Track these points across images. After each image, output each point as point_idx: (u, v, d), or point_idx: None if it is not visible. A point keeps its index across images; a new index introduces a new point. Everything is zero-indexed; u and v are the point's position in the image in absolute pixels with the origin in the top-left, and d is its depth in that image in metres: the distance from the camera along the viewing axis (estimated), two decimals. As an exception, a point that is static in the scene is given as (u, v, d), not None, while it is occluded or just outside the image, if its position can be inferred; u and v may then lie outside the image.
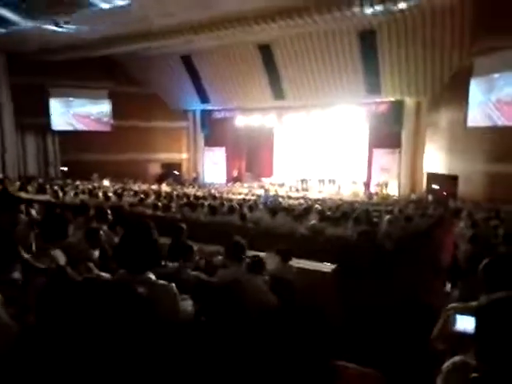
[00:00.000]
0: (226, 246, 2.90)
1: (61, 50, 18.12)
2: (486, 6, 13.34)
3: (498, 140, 14.19)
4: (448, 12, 14.48)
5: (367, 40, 16.65)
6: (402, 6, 12.81)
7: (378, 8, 13.10)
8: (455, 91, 16.02)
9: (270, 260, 3.79)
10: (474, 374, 1.13)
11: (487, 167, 14.72)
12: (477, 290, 2.13)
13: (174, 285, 1.91)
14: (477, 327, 1.20)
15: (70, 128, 22.13)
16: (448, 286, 4.08)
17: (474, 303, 1.94)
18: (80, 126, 22.49)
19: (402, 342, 3.48)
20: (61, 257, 2.40)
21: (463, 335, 1.61)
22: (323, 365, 3.07)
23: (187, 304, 2.06)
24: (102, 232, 3.66)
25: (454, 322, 1.66)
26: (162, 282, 1.90)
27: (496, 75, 13.84)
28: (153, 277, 1.90)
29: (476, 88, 14.60)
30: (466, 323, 1.59)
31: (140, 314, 1.67)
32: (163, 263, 2.87)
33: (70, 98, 22.06)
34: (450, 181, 17.11)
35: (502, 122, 13.90)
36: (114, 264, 2.20)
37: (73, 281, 1.90)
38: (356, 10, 13.26)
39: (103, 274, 2.40)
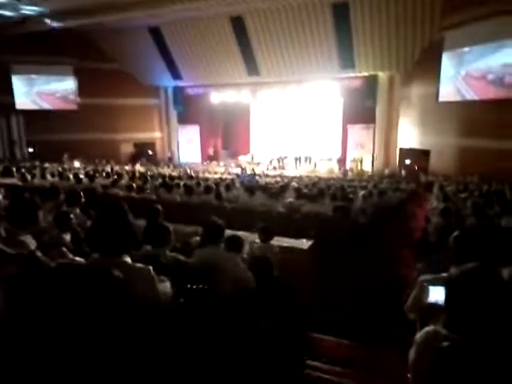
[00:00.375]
0: (203, 227, 2.87)
1: (20, 23, 17.06)
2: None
3: (467, 114, 14.57)
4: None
5: (340, 13, 16.48)
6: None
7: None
8: (427, 65, 16.22)
9: (251, 239, 3.81)
10: (445, 343, 1.18)
11: (458, 141, 15.15)
12: (447, 261, 2.21)
13: (151, 267, 1.89)
14: (447, 298, 1.24)
15: (34, 107, 21.16)
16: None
17: (444, 274, 2.02)
18: (45, 105, 21.54)
19: (377, 313, 3.61)
20: (31, 242, 2.31)
21: (435, 306, 1.67)
22: (299, 337, 3.16)
23: (165, 286, 2.04)
24: (72, 216, 3.56)
25: (426, 293, 1.72)
26: (138, 264, 1.87)
27: (466, 49, 14.04)
28: (129, 260, 1.86)
29: (447, 62, 14.81)
30: (437, 294, 1.65)
31: (117, 297, 1.65)
32: (139, 245, 2.82)
33: (33, 76, 20.97)
34: (422, 155, 17.54)
35: (471, 96, 14.20)
36: (88, 248, 2.15)
37: (46, 267, 1.85)
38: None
39: (77, 258, 2.35)
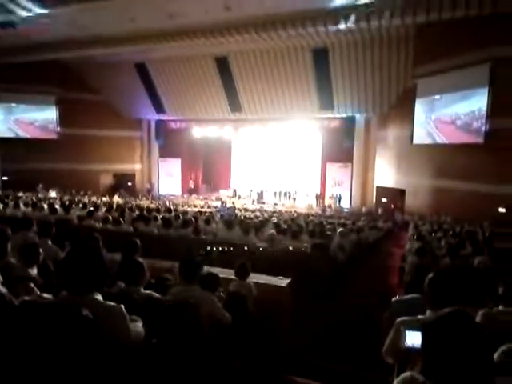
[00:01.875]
0: (179, 263, 2.81)
1: (6, 53, 17.11)
2: (426, 35, 14.41)
3: (438, 157, 15.21)
4: (394, 39, 15.57)
5: (320, 57, 17.32)
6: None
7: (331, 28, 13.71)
8: (401, 110, 17.03)
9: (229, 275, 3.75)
10: (422, 390, 1.17)
11: (431, 182, 15.69)
12: (423, 302, 2.23)
13: (122, 306, 1.81)
14: (423, 343, 1.24)
15: (10, 135, 20.75)
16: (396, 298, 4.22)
17: (421, 316, 2.03)
18: (22, 133, 21.16)
19: (356, 356, 3.54)
20: (-3, 277, 2.20)
21: (412, 350, 1.66)
22: (276, 379, 3.06)
23: (137, 325, 1.96)
24: (40, 248, 3.42)
25: (404, 337, 1.71)
26: (109, 303, 1.79)
27: (436, 96, 14.89)
28: (100, 298, 1.79)
29: (420, 108, 15.61)
30: (414, 339, 1.65)
31: (85, 337, 1.56)
32: (113, 282, 2.73)
33: (13, 104, 20.76)
34: (397, 194, 18.02)
35: (441, 139, 14.91)
36: (58, 284, 2.05)
37: (9, 305, 1.75)
38: (309, 29, 13.77)
39: (45, 294, 2.24)
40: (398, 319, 2.06)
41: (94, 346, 1.53)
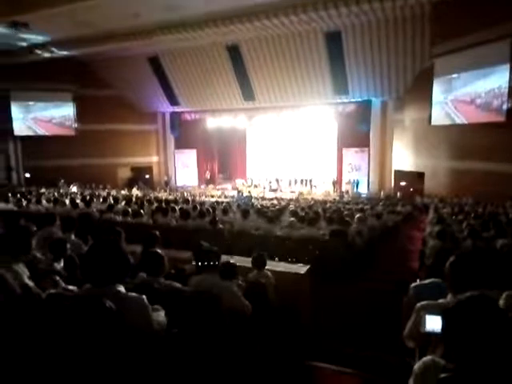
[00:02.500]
0: (195, 253, 2.85)
1: (23, 53, 17.43)
2: (443, 13, 13.91)
3: (457, 137, 14.83)
4: (409, 19, 15.07)
5: (333, 41, 16.94)
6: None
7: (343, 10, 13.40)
8: (419, 91, 16.60)
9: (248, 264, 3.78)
10: (443, 374, 1.16)
11: (450, 163, 15.35)
12: (444, 286, 2.20)
13: (144, 297, 1.86)
14: (444, 328, 1.23)
15: (29, 133, 21.24)
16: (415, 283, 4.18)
17: (442, 300, 2.01)
18: (41, 131, 21.62)
19: (376, 340, 3.54)
20: (24, 271, 2.28)
21: (432, 334, 1.65)
22: (298, 365, 3.10)
23: (159, 315, 2.01)
24: (68, 243, 3.52)
25: (423, 322, 1.70)
26: (132, 294, 1.84)
27: (454, 75, 14.44)
28: (122, 289, 1.84)
29: (437, 88, 15.18)
30: (434, 323, 1.63)
31: (110, 328, 1.61)
32: (135, 273, 2.80)
33: (31, 102, 21.17)
34: (416, 177, 17.70)
35: (460, 120, 14.50)
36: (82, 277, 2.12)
37: (36, 298, 1.82)
38: (321, 12, 13.49)
39: (70, 287, 2.31)
40: (419, 304, 2.05)
41: (117, 336, 1.58)
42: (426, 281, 2.82)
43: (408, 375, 2.13)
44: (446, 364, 1.20)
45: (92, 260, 1.81)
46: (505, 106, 12.45)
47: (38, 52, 17.30)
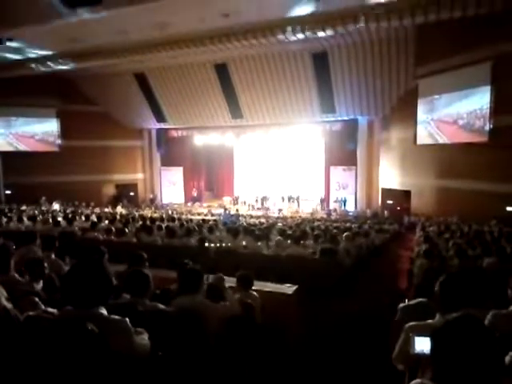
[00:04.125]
0: (178, 273, 2.77)
1: (6, 67, 17.25)
2: (427, 35, 14.41)
3: (442, 157, 15.15)
4: (394, 40, 15.55)
5: (320, 62, 17.33)
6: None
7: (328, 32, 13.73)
8: (404, 111, 16.99)
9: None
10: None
11: (436, 182, 15.61)
12: (432, 306, 2.18)
13: (127, 319, 1.78)
14: (433, 350, 1.21)
15: (10, 148, 20.77)
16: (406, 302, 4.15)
17: (430, 321, 1.98)
18: (21, 147, 21.15)
19: (365, 362, 3.48)
20: (2, 293, 2.18)
21: (422, 356, 1.63)
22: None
23: (143, 338, 1.93)
24: (46, 263, 3.40)
25: (412, 343, 1.67)
26: (114, 317, 1.76)
27: (437, 96, 14.86)
28: (104, 312, 1.76)
29: (421, 108, 15.58)
30: (423, 345, 1.61)
31: (91, 351, 1.53)
32: (118, 294, 2.70)
33: (13, 118, 20.83)
34: (403, 196, 17.92)
35: (443, 140, 14.86)
36: (62, 299, 2.03)
37: (14, 321, 1.72)
38: (308, 33, 13.78)
39: (49, 309, 2.22)
40: (407, 325, 2.02)
41: (100, 361, 1.50)
42: (414, 301, 2.80)
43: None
44: (434, 387, 1.17)
45: (74, 281, 1.73)
46: (487, 127, 12.80)
47: (32, 66, 17.09)
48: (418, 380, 1.28)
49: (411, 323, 2.01)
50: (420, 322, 1.99)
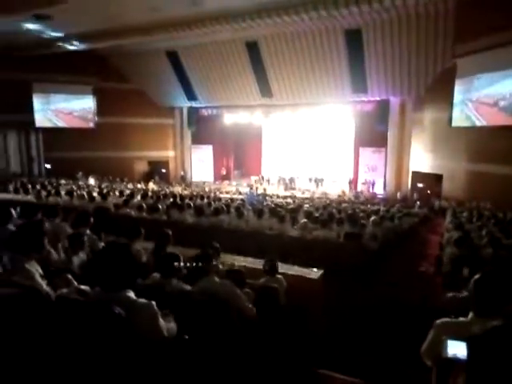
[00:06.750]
0: (195, 257, 2.79)
1: (45, 45, 17.68)
2: (467, 11, 13.50)
3: (478, 140, 14.45)
4: (432, 17, 14.67)
5: (353, 39, 16.67)
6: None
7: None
8: (439, 92, 16.21)
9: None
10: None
11: (469, 166, 14.99)
12: (466, 302, 2.10)
13: (154, 303, 1.83)
14: (469, 358, 1.17)
15: (49, 125, 21.56)
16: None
17: (462, 319, 1.92)
18: (60, 123, 21.88)
19: (392, 349, 3.45)
20: (36, 270, 2.28)
21: (455, 360, 1.57)
22: (306, 373, 3.04)
23: (169, 321, 1.98)
24: (85, 237, 3.54)
25: (445, 347, 1.62)
26: (141, 300, 1.81)
27: (477, 76, 14.02)
28: (132, 295, 1.81)
29: (459, 89, 14.79)
30: (457, 349, 1.55)
31: (118, 335, 1.59)
32: (147, 273, 2.78)
33: (52, 94, 21.44)
34: (434, 180, 17.35)
35: (480, 122, 14.10)
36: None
37: (46, 300, 1.80)
38: (342, 9, 13.27)
39: (82, 286, 2.30)
40: (438, 321, 1.96)
41: (126, 344, 1.55)
42: (454, 320, 2.63)
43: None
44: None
45: (102, 264, 1.78)
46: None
47: (61, 44, 17.52)
48: None
49: (443, 319, 1.96)
50: (453, 320, 1.93)
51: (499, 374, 1.07)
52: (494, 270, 1.90)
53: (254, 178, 24.69)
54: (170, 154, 25.81)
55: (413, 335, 2.62)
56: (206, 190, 19.31)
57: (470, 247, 5.12)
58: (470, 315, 1.88)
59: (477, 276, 1.89)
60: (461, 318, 1.90)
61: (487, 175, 13.85)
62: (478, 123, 14.20)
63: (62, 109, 21.83)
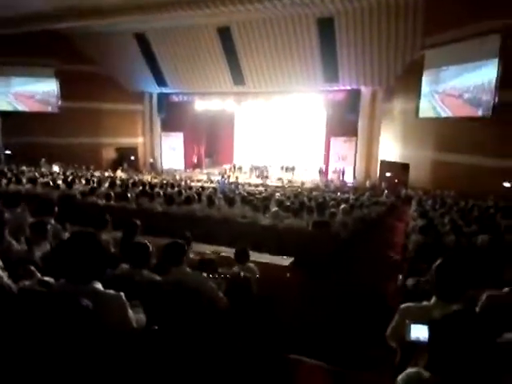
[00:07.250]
0: (164, 247, 2.76)
1: (4, 24, 16.67)
2: (437, 4, 13.84)
3: (444, 130, 14.96)
4: (402, 8, 14.93)
5: (325, 27, 16.73)
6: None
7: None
8: (408, 82, 16.61)
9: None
10: (429, 387, 1.16)
11: (435, 156, 15.51)
12: (428, 287, 2.20)
13: (122, 294, 1.79)
14: (430, 341, 1.24)
15: (9, 108, 20.49)
16: (400, 277, 4.22)
17: (426, 303, 2.00)
18: (21, 107, 20.86)
19: (357, 335, 3.57)
20: (-3, 261, 2.18)
21: (417, 343, 1.65)
22: (276, 359, 3.10)
23: (138, 311, 1.95)
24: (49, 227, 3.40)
25: (408, 330, 1.69)
26: (109, 292, 1.76)
27: (443, 68, 14.45)
28: (99, 286, 1.76)
29: (426, 80, 15.21)
30: (419, 332, 1.63)
31: (85, 327, 1.55)
32: (116, 263, 2.72)
33: (12, 77, 20.36)
34: (401, 169, 17.86)
35: (446, 113, 14.60)
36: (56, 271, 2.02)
37: (7, 293, 1.73)
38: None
39: (46, 278, 2.22)
40: (403, 305, 2.04)
41: (93, 336, 1.51)
42: (417, 304, 2.71)
43: (390, 370, 2.14)
44: (430, 377, 1.20)
45: (68, 255, 1.71)
46: (492, 102, 12.56)
47: (29, 23, 16.51)
48: (414, 369, 1.33)
49: (407, 304, 2.03)
50: (416, 304, 2.01)
51: (458, 356, 1.16)
52: (455, 256, 1.99)
53: (226, 166, 24.57)
54: (139, 140, 25.18)
55: (379, 319, 2.72)
56: (177, 178, 19.01)
57: (433, 235, 5.34)
58: (433, 299, 1.96)
59: (438, 262, 1.97)
60: (424, 303, 1.99)
61: (452, 165, 14.40)
62: (443, 114, 14.70)
63: (22, 92, 20.78)
